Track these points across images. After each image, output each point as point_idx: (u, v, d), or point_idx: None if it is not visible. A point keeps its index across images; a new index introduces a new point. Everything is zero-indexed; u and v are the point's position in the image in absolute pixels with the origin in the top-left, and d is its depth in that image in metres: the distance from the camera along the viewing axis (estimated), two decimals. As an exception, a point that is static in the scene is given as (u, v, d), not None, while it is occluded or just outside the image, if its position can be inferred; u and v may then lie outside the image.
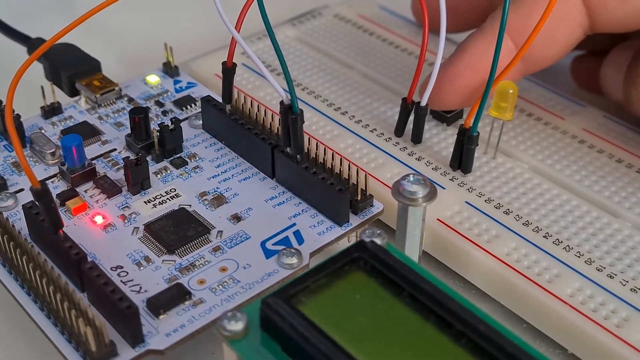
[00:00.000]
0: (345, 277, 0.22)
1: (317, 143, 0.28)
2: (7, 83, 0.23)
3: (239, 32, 0.27)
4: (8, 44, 0.36)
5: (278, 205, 0.27)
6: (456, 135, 0.29)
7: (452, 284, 0.27)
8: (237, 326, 0.21)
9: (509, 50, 0.29)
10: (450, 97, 0.30)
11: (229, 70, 0.29)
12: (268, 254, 0.26)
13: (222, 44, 0.36)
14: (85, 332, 0.22)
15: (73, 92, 0.32)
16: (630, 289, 0.25)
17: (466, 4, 0.32)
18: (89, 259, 0.24)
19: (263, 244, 0.26)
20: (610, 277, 0.25)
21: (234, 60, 0.28)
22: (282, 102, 0.26)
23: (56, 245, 0.24)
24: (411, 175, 0.25)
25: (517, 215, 0.28)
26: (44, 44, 0.24)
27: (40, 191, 0.23)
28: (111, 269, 0.25)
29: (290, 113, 0.26)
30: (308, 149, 0.28)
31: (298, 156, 0.27)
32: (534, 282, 0.25)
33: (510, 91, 0.28)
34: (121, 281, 0.25)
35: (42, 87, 0.31)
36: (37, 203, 0.24)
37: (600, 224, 0.27)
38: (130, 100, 0.32)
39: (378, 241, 0.23)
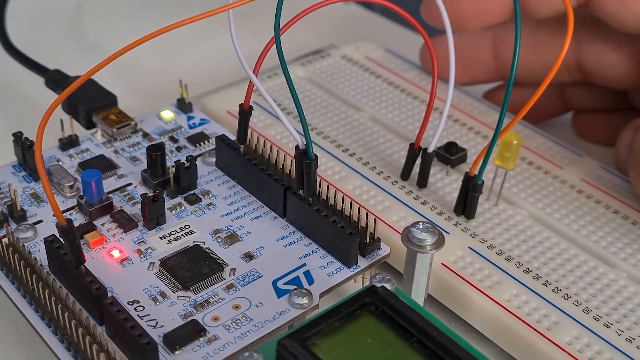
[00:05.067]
0: (357, 321, 0.23)
1: (327, 186, 0.29)
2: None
3: (256, 76, 0.28)
4: (17, 69, 0.36)
5: (289, 245, 0.28)
6: (461, 182, 0.30)
7: (454, 327, 0.28)
8: (253, 366, 0.22)
9: None
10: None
11: (245, 112, 0.30)
12: (279, 293, 0.27)
13: (234, 78, 0.38)
14: (106, 366, 0.23)
15: (90, 125, 0.33)
16: (626, 339, 0.26)
17: (473, 57, 0.34)
18: (109, 294, 0.25)
19: (274, 283, 0.27)
20: (606, 326, 0.26)
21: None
22: (297, 147, 0.27)
23: (77, 279, 0.25)
24: (420, 223, 0.26)
25: (518, 262, 0.29)
26: (74, 83, 0.24)
27: (66, 228, 0.24)
28: (128, 303, 0.26)
29: (305, 158, 0.27)
30: (319, 191, 0.29)
31: (310, 199, 0.28)
32: (534, 329, 0.26)
33: (514, 142, 0.30)
34: (138, 316, 0.25)
35: (62, 121, 0.31)
36: (61, 239, 0.25)
37: (597, 273, 0.28)
38: (145, 135, 0.33)
39: (388, 286, 0.24)
